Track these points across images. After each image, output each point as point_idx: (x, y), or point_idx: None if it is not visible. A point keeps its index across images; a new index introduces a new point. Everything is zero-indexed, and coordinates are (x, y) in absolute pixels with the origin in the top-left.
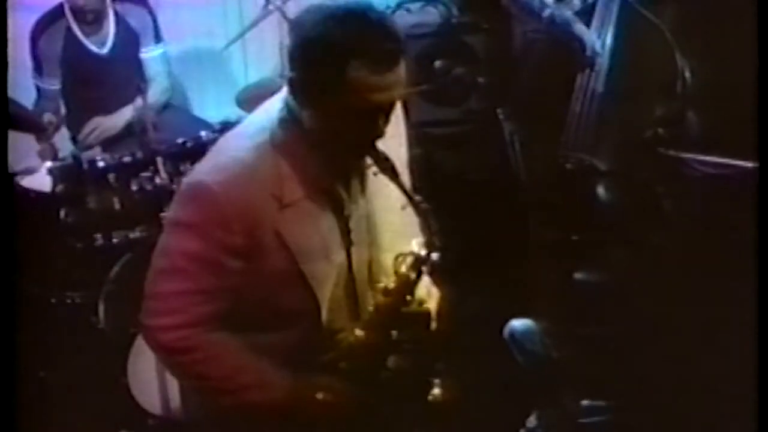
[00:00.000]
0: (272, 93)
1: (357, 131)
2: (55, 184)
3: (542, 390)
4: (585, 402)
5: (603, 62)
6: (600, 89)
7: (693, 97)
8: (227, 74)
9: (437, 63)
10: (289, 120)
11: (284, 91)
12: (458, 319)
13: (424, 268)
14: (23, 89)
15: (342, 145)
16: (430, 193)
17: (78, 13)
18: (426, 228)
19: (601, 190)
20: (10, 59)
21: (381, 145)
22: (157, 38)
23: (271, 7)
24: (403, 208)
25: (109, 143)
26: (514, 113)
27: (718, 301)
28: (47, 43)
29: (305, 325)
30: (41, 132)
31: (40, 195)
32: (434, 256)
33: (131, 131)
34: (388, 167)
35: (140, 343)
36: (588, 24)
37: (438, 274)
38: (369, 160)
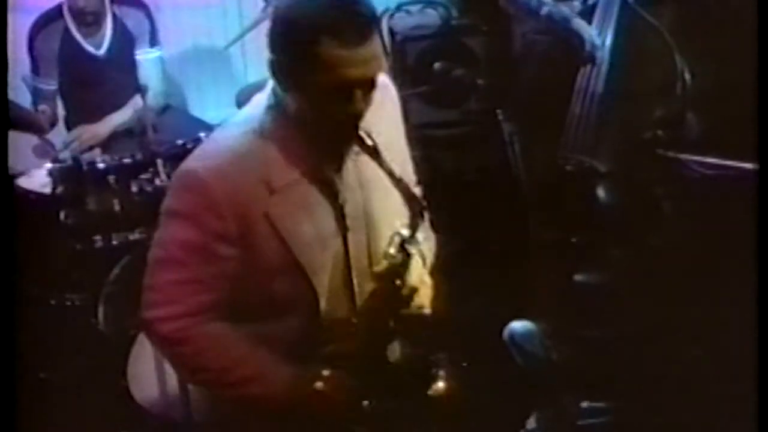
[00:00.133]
0: None
1: (336, 111)
2: (54, 186)
3: (542, 391)
4: (584, 403)
5: (603, 62)
6: (600, 90)
7: (693, 99)
8: (227, 75)
9: (437, 65)
10: (275, 106)
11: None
12: (455, 311)
13: (412, 250)
14: (24, 90)
15: (324, 127)
16: (429, 194)
17: (78, 14)
18: (411, 209)
19: (600, 192)
20: (9, 60)
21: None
22: (153, 42)
23: (270, 8)
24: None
25: (108, 145)
26: (514, 114)
27: (718, 302)
28: (44, 43)
29: (303, 314)
30: (41, 132)
31: (40, 196)
32: (419, 236)
33: (131, 132)
34: (371, 148)
35: (140, 343)
36: (588, 25)
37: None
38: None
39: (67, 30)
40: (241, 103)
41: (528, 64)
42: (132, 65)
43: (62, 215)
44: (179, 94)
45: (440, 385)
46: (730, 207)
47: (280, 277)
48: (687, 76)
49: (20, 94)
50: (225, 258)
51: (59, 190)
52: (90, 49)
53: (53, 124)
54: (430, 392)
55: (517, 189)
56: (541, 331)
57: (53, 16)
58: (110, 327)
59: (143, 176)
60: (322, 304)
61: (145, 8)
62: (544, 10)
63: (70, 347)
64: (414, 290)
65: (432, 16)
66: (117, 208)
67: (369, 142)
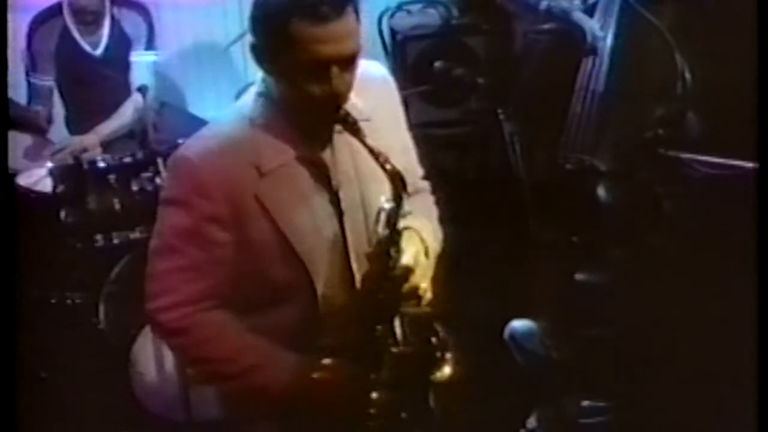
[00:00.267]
0: None
1: (315, 91)
2: (55, 185)
3: (542, 390)
4: (585, 402)
5: (603, 61)
6: (600, 90)
7: (693, 98)
8: (227, 74)
9: (437, 64)
10: (264, 93)
11: None
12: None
13: (398, 226)
14: (24, 89)
15: (305, 108)
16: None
17: (78, 13)
18: (393, 183)
19: (601, 191)
20: (9, 60)
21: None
22: (150, 45)
23: None
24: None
25: (109, 144)
26: (515, 114)
27: (718, 301)
28: (42, 39)
29: (301, 302)
30: (41, 132)
31: (40, 195)
32: (406, 207)
33: (132, 132)
34: (352, 126)
35: (142, 343)
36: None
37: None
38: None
39: (65, 27)
40: None
41: (528, 63)
42: (127, 67)
43: (63, 214)
44: (179, 94)
45: (446, 370)
46: (731, 206)
47: (274, 262)
48: (687, 75)
49: (20, 94)
50: (219, 243)
51: (60, 189)
52: (87, 48)
53: (49, 122)
54: (436, 377)
55: (518, 188)
56: (541, 330)
57: (53, 12)
58: (111, 326)
59: (144, 175)
60: (320, 290)
61: (144, 11)
62: (543, 5)
63: (70, 346)
64: (408, 270)
65: (432, 16)
66: (118, 207)
67: (352, 120)
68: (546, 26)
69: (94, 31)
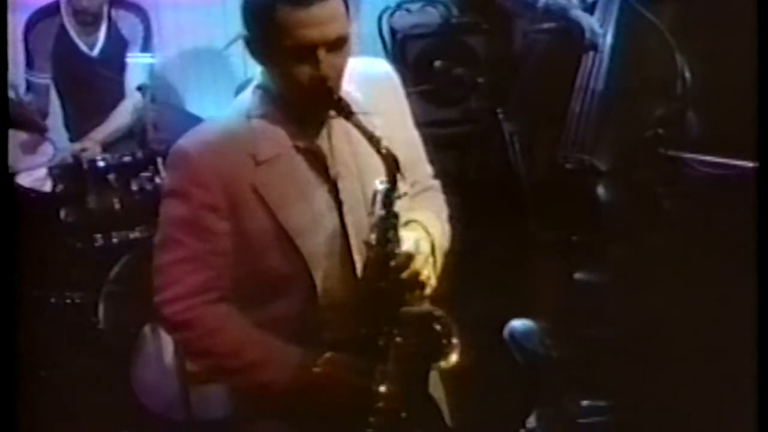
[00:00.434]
0: None
1: (303, 76)
2: (55, 184)
3: (542, 390)
4: (585, 402)
5: (603, 60)
6: (600, 89)
7: (693, 97)
8: (227, 74)
9: (437, 63)
10: (261, 86)
11: None
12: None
13: (394, 208)
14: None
15: (296, 95)
16: None
17: (78, 13)
18: (387, 165)
19: (601, 190)
20: (9, 59)
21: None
22: (146, 47)
23: None
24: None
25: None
26: (514, 113)
27: (718, 301)
28: (38, 36)
29: (300, 293)
30: (41, 131)
31: (40, 195)
32: (402, 188)
33: (131, 131)
34: (345, 109)
35: (143, 342)
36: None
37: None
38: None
39: (62, 26)
40: None
41: (528, 62)
42: (123, 69)
43: (63, 214)
44: (179, 93)
45: (453, 357)
46: (731, 205)
47: (272, 253)
48: (687, 74)
49: (20, 93)
50: (218, 233)
51: (60, 188)
52: (84, 48)
53: (44, 116)
54: (441, 366)
55: (518, 187)
56: (541, 330)
57: (50, 11)
58: (110, 325)
59: (143, 174)
60: (320, 282)
61: (142, 13)
62: (541, 2)
63: (70, 345)
64: (409, 257)
65: (432, 15)
66: (117, 206)
67: (344, 103)
68: (546, 25)
69: (91, 32)
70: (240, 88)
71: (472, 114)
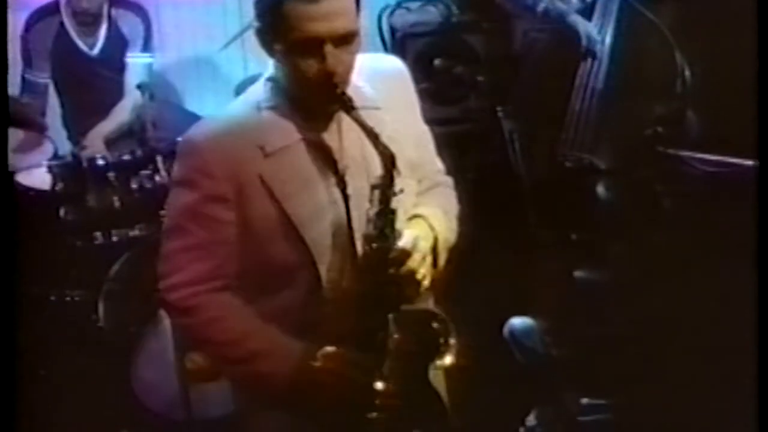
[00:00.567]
0: None
1: (310, 70)
2: (54, 183)
3: (542, 388)
4: (584, 400)
5: (603, 59)
6: (600, 88)
7: (692, 96)
8: (226, 73)
9: (437, 62)
10: (272, 78)
11: None
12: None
13: (390, 204)
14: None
15: (303, 88)
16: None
17: (79, 14)
18: (384, 162)
19: (600, 189)
20: (10, 59)
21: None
22: (146, 47)
23: None
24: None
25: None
26: (514, 112)
27: (717, 299)
28: (37, 35)
29: (304, 284)
30: (41, 130)
31: (40, 193)
32: (399, 184)
33: (131, 129)
34: (348, 104)
35: (144, 341)
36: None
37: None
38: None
39: (62, 26)
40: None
41: (528, 61)
42: (123, 68)
43: (62, 212)
44: (178, 92)
45: (448, 359)
46: (730, 204)
47: (278, 243)
48: (687, 73)
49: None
50: (224, 222)
51: (59, 186)
52: (84, 48)
53: (43, 115)
54: (437, 365)
55: (517, 186)
56: (540, 328)
57: (50, 10)
58: (110, 323)
59: (143, 173)
60: (324, 274)
61: (142, 12)
62: (541, 7)
63: (70, 344)
64: (405, 253)
65: (432, 14)
66: (117, 204)
67: (346, 99)
68: (545, 25)
69: (91, 32)
70: (240, 87)
71: (471, 113)
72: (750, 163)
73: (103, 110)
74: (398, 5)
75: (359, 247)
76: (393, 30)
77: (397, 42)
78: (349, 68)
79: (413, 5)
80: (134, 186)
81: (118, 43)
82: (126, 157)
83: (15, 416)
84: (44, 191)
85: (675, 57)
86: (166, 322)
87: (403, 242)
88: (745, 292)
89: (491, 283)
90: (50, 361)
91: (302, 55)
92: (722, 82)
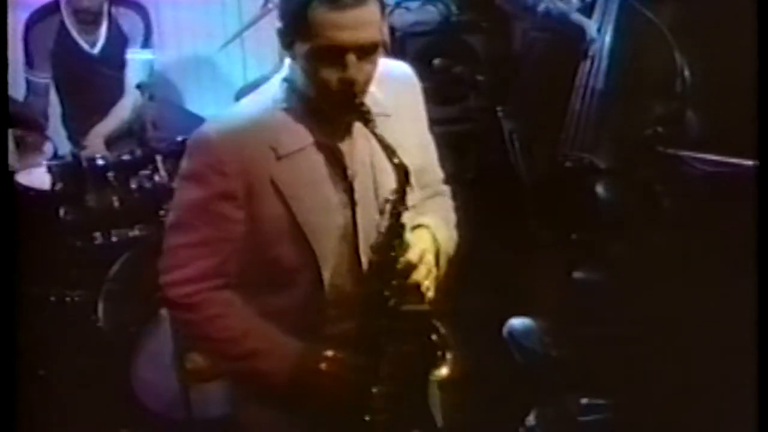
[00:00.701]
0: None
1: (331, 78)
2: (54, 183)
3: (541, 388)
4: (584, 400)
5: (603, 59)
6: (599, 87)
7: (692, 96)
8: (226, 73)
9: (436, 61)
10: (288, 78)
11: None
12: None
13: (401, 218)
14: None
15: (322, 94)
16: None
17: (80, 13)
18: (398, 176)
19: (600, 189)
20: (9, 58)
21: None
22: (146, 44)
23: (270, 5)
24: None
25: (108, 141)
26: (514, 112)
27: (717, 299)
28: (39, 35)
29: (307, 285)
30: (39, 129)
31: (39, 193)
32: (410, 199)
33: (131, 129)
34: (365, 116)
35: (144, 341)
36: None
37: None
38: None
39: (63, 25)
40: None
41: (528, 61)
42: (124, 66)
43: (62, 212)
44: (177, 91)
45: (444, 371)
46: (730, 204)
47: (284, 244)
48: (687, 73)
49: (20, 93)
50: (231, 220)
51: (59, 186)
52: (84, 46)
53: (45, 117)
54: (434, 376)
55: (517, 186)
56: (540, 328)
57: (50, 10)
58: (110, 324)
59: (143, 173)
60: (327, 276)
61: (142, 10)
62: (541, 7)
63: (69, 344)
64: (411, 266)
65: (431, 13)
66: (116, 204)
67: (364, 110)
68: (547, 25)
69: (92, 30)
70: (240, 91)
71: (471, 112)
72: (750, 163)
73: (104, 110)
74: (397, 5)
75: (363, 253)
76: (392, 29)
77: (397, 42)
78: (369, 79)
79: (413, 5)
80: (134, 186)
81: (118, 41)
82: (125, 157)
83: (15, 416)
84: (44, 191)
85: (675, 57)
86: (166, 322)
87: (410, 255)
88: (745, 292)
89: (491, 284)
90: (50, 361)
91: (323, 62)
92: (722, 82)
